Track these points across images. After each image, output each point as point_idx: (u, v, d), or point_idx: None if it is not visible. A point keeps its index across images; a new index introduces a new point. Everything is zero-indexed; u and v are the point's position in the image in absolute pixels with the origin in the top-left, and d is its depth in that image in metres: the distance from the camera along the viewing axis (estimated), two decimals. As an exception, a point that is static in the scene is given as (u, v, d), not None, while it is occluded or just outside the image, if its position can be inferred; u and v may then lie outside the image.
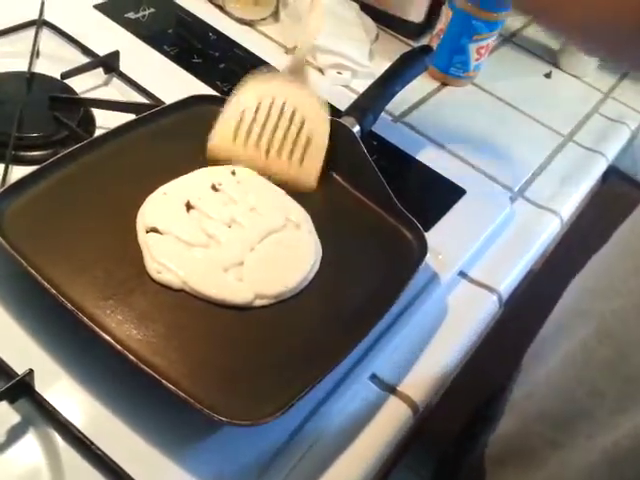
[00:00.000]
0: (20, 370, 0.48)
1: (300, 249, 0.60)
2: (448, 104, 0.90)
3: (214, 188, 0.61)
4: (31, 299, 0.52)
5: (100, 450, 0.47)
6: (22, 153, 0.63)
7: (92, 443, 0.47)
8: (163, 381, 0.47)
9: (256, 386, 0.51)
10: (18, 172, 0.60)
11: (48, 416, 0.48)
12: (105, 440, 0.47)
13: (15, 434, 0.47)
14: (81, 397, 0.50)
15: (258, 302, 0.55)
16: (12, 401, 0.48)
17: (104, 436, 0.48)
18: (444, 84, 0.93)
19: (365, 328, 0.55)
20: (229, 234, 0.58)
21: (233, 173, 0.63)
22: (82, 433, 0.47)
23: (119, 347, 0.48)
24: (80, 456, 0.47)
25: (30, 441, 0.47)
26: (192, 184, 0.61)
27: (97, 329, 0.49)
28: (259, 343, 0.54)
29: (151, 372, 0.48)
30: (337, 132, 0.67)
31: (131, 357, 0.48)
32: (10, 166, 0.61)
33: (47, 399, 0.48)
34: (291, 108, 0.66)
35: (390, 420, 0.56)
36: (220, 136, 0.65)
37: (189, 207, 0.59)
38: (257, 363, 0.52)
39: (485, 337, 0.68)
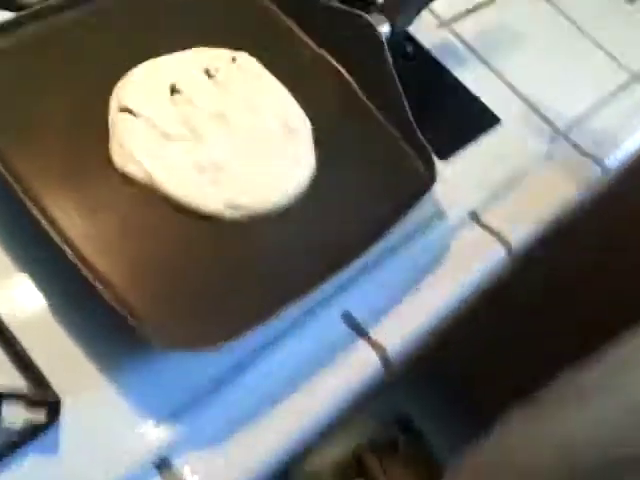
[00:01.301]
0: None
1: (291, 160, 0.52)
2: (507, 15, 0.79)
3: (208, 73, 0.54)
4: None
5: (20, 345, 0.42)
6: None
7: (14, 337, 0.43)
8: (96, 283, 0.42)
9: (207, 308, 0.46)
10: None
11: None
12: (31, 334, 0.43)
13: None
14: (17, 281, 0.45)
15: (230, 213, 0.49)
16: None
17: (32, 330, 0.43)
18: (509, -9, 0.82)
19: (346, 260, 0.49)
20: (214, 129, 0.51)
21: (234, 60, 0.55)
22: (4, 324, 0.43)
23: (58, 238, 0.43)
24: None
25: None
26: (183, 64, 0.54)
27: (37, 213, 0.43)
28: (222, 261, 0.48)
29: (85, 271, 0.42)
30: (361, 31, 0.57)
31: (68, 250, 0.43)
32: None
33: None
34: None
35: (356, 367, 0.51)
36: None
37: (174, 90, 0.52)
38: (214, 283, 0.47)
39: (483, 294, 0.61)
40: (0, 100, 0.48)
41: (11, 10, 0.53)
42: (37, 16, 0.52)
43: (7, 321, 0.43)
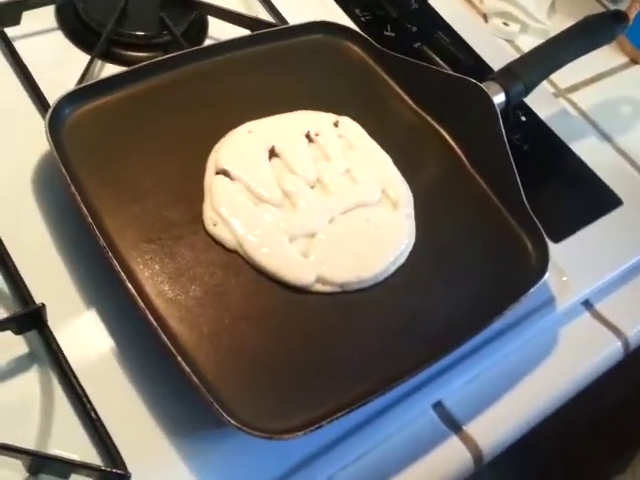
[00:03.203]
0: (41, 299, 0.42)
1: (389, 234, 0.49)
2: (632, 88, 0.74)
3: (308, 137, 0.52)
4: (70, 220, 0.46)
5: (95, 412, 0.40)
6: (116, 50, 0.57)
7: (90, 403, 0.41)
8: (178, 357, 0.40)
9: (288, 389, 0.42)
10: (106, 70, 0.55)
11: (52, 358, 0.42)
12: (105, 400, 0.41)
13: (18, 365, 0.42)
14: (96, 343, 0.44)
15: (319, 287, 0.46)
16: (18, 332, 0.42)
17: (106, 395, 0.42)
18: (634, 62, 0.77)
19: (441, 350, 0.45)
20: (309, 196, 0.49)
21: (336, 124, 0.53)
22: (83, 390, 0.41)
23: (141, 303, 0.41)
24: (74, 411, 0.41)
25: (31, 377, 0.42)
26: (284, 127, 0.52)
27: (123, 276, 0.42)
28: (307, 337, 0.45)
29: (167, 342, 0.40)
30: (474, 98, 0.54)
31: (151, 319, 0.41)
32: (96, 61, 0.55)
33: (58, 338, 0.42)
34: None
35: (444, 464, 0.46)
36: None
37: (272, 154, 0.50)
38: (298, 361, 0.43)
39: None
40: (103, 153, 0.48)
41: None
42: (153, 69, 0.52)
43: (85, 379, 0.41)
